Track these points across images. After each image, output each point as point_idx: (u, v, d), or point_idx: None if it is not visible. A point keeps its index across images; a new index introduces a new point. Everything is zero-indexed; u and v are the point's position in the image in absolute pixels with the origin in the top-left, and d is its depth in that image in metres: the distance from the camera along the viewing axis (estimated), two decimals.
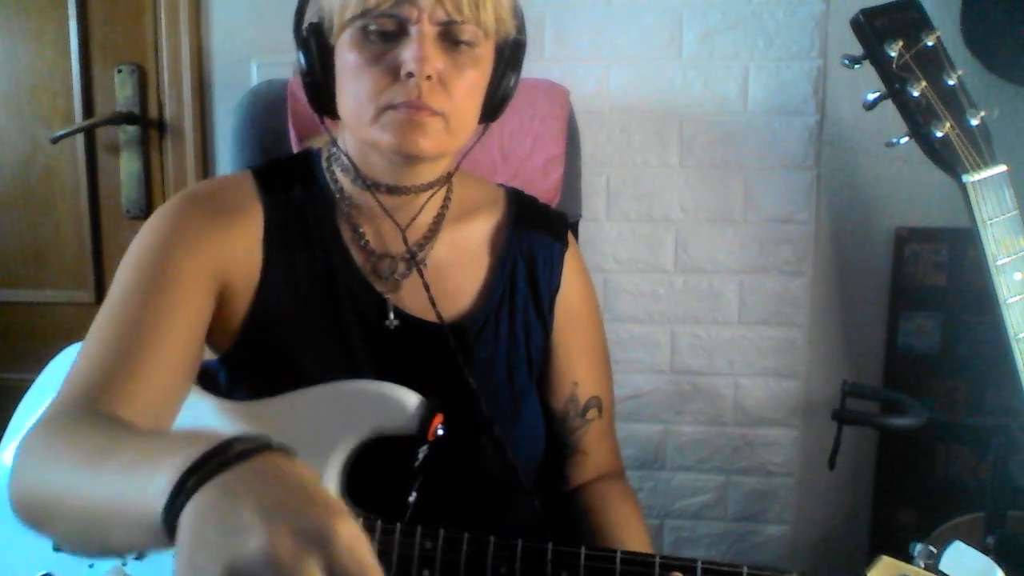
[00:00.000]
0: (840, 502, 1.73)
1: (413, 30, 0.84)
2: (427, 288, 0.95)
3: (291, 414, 0.91)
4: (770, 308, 1.71)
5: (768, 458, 1.75)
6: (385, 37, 0.86)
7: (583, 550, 0.80)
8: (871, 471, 1.70)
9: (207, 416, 0.93)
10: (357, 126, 0.91)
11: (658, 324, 1.73)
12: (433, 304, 0.94)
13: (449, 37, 0.86)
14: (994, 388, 1.58)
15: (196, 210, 0.92)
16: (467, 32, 0.86)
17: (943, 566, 0.74)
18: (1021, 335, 1.07)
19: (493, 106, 0.95)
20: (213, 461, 0.54)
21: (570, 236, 1.08)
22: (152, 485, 0.56)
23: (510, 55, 0.93)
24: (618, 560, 0.80)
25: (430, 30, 0.84)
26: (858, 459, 1.70)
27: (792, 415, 1.74)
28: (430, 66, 0.84)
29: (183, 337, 0.86)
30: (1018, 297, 1.07)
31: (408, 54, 0.84)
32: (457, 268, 0.99)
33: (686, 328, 1.73)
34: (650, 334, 1.73)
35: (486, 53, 0.90)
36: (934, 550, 0.77)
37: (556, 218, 1.08)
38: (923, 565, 0.76)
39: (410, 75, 0.84)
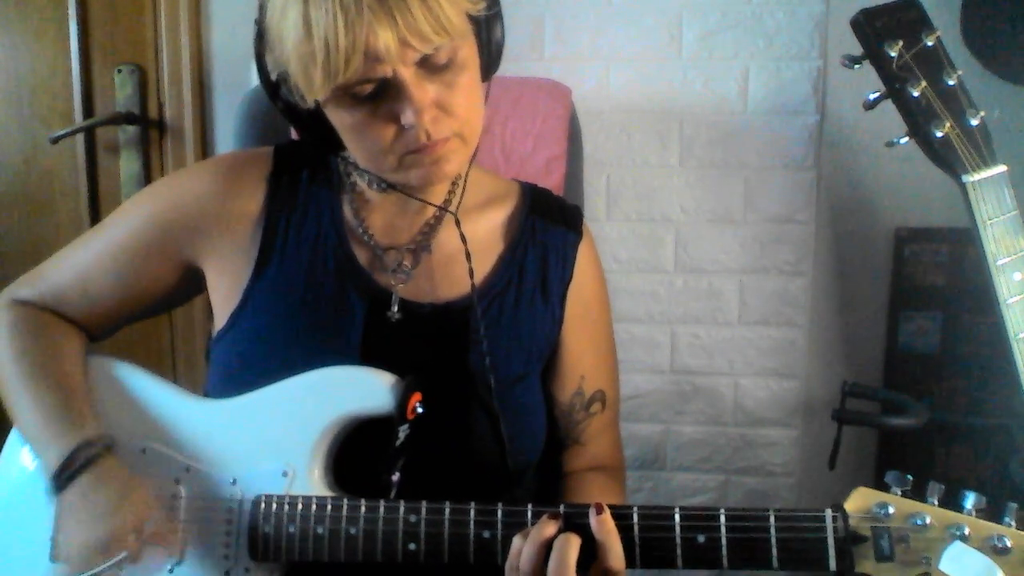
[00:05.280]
0: (839, 500, 1.72)
1: (393, 83, 0.82)
2: (463, 239, 0.96)
3: (270, 406, 0.92)
4: (770, 308, 1.71)
5: (768, 458, 1.75)
6: (370, 95, 0.84)
7: (562, 508, 0.82)
8: (871, 471, 1.70)
9: (191, 417, 0.95)
10: (379, 172, 0.92)
11: (658, 324, 1.73)
12: (469, 259, 0.96)
13: (428, 66, 0.83)
14: (994, 388, 1.58)
15: (207, 175, 1.01)
16: (443, 54, 0.83)
17: (943, 566, 0.74)
18: (1021, 335, 1.07)
19: (490, 63, 0.92)
20: (76, 462, 0.89)
21: (586, 228, 1.08)
22: (46, 456, 0.91)
23: (487, 15, 0.88)
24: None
25: (408, 73, 0.82)
26: (858, 459, 1.70)
27: (792, 415, 1.74)
28: (426, 108, 0.83)
29: (132, 278, 1.00)
30: (1018, 297, 1.07)
31: (400, 107, 0.83)
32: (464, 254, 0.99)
33: (686, 328, 1.73)
34: (650, 334, 1.73)
35: (468, 49, 0.87)
36: (909, 477, 0.78)
37: (571, 210, 1.08)
38: (899, 492, 0.77)
39: (412, 126, 0.83)
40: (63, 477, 0.89)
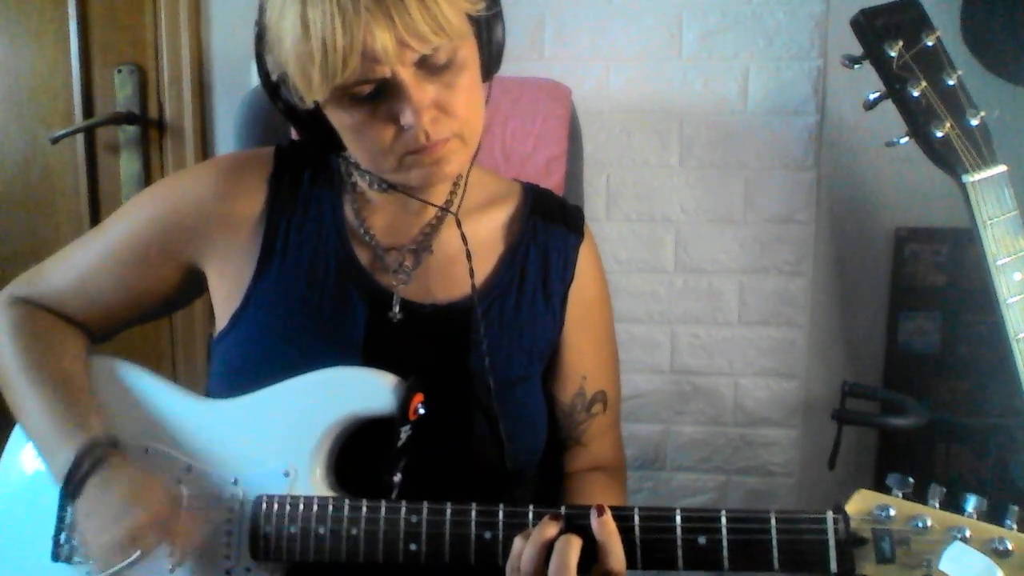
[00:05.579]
0: (840, 502, 1.72)
1: (392, 83, 0.82)
2: (464, 239, 0.96)
3: (272, 407, 0.92)
4: (770, 308, 1.71)
5: (768, 458, 1.75)
6: (370, 96, 0.83)
7: (564, 509, 0.82)
8: (871, 471, 1.70)
9: (193, 416, 0.95)
10: (379, 173, 0.92)
11: (658, 324, 1.73)
12: (469, 259, 0.96)
13: (427, 66, 0.83)
14: (994, 388, 1.58)
15: (208, 176, 1.00)
16: (442, 54, 0.83)
17: (943, 566, 0.74)
18: (1021, 335, 1.07)
19: (491, 63, 0.92)
20: (83, 467, 0.88)
21: (587, 229, 1.08)
22: (54, 460, 0.91)
23: (487, 15, 0.87)
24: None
25: (407, 73, 0.81)
26: (858, 459, 1.70)
27: (792, 415, 1.74)
28: (425, 109, 0.83)
29: (133, 279, 1.00)
30: (1018, 297, 1.07)
31: (400, 107, 0.83)
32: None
33: (686, 328, 1.73)
34: (650, 334, 1.73)
35: (467, 49, 0.86)
36: (911, 480, 0.78)
37: (572, 211, 1.08)
38: (900, 495, 0.77)
39: (411, 126, 0.83)
40: (74, 482, 0.89)
